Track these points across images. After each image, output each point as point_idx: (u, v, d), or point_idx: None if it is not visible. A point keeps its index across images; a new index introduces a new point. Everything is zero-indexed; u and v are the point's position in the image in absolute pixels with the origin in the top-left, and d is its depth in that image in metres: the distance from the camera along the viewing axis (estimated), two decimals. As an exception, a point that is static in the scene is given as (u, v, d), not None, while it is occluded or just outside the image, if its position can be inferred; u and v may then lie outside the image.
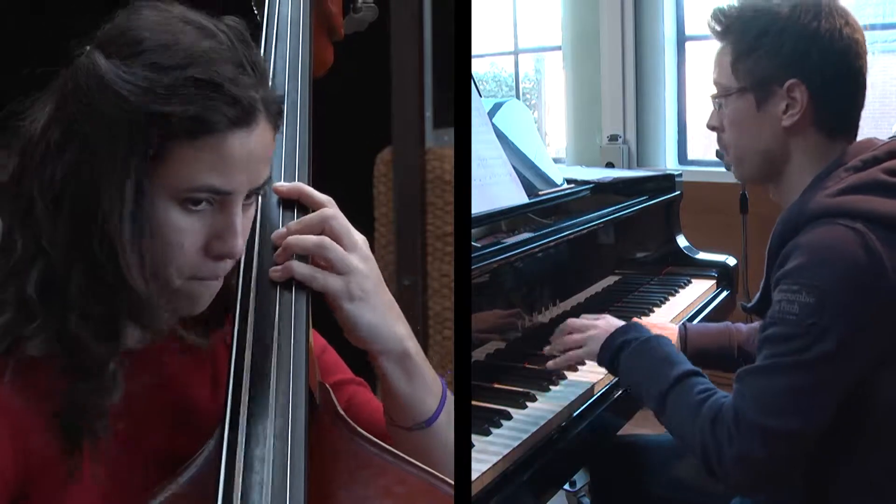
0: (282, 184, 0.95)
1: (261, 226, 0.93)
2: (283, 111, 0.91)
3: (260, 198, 0.93)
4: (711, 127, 1.31)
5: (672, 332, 1.55)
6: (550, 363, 1.38)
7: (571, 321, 1.44)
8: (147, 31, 0.83)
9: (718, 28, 1.25)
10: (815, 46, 1.17)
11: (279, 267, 0.91)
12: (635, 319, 1.49)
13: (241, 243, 0.87)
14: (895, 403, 1.11)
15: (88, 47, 0.85)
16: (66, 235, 0.84)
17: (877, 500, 1.14)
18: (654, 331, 1.52)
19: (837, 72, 1.18)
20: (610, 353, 1.30)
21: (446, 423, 0.97)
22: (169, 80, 0.81)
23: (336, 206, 0.95)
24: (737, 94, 1.23)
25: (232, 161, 0.83)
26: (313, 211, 0.94)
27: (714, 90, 1.28)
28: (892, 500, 1.13)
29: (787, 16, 1.18)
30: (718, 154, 1.34)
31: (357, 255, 0.91)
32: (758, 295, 1.23)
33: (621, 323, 1.38)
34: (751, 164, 1.27)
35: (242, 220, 0.87)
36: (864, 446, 1.13)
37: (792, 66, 1.18)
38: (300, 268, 0.90)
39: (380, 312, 0.92)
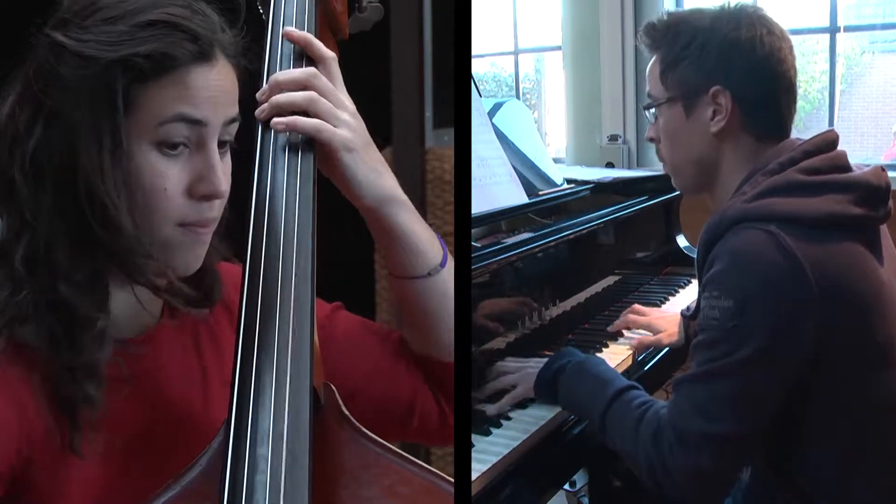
0: (293, 29, 0.98)
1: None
2: (239, 54, 0.93)
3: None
4: (650, 139, 1.34)
5: (674, 319, 1.62)
6: (492, 408, 1.31)
7: (502, 365, 1.40)
8: None
9: (649, 41, 1.29)
10: (737, 54, 1.21)
11: (283, 119, 0.93)
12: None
13: (223, 181, 0.90)
14: (836, 403, 1.12)
15: (46, 31, 0.88)
16: (48, 204, 0.87)
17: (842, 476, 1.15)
18: (656, 316, 1.63)
19: (760, 77, 1.21)
20: (546, 383, 1.29)
21: (448, 270, 1.01)
22: (125, 27, 0.85)
23: (337, 64, 0.99)
24: (667, 105, 1.26)
25: (198, 92, 0.87)
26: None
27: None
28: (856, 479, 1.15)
29: (710, 26, 1.23)
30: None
31: (345, 111, 0.95)
32: (696, 303, 1.27)
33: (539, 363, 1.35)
34: (686, 174, 1.30)
35: (221, 164, 0.90)
36: (814, 438, 1.14)
37: (716, 73, 1.21)
38: (303, 120, 0.94)
39: (372, 165, 0.97)
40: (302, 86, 0.95)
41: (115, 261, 0.88)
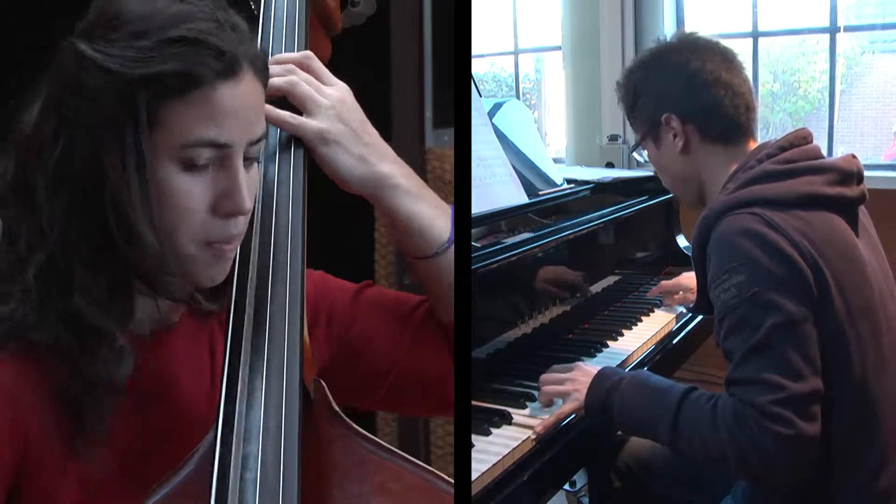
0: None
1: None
2: (268, 66, 0.93)
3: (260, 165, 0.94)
4: (655, 174, 1.53)
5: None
6: (540, 428, 1.26)
7: (544, 376, 1.37)
8: (121, 6, 0.85)
9: (618, 96, 1.49)
10: (671, 81, 1.39)
11: None
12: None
13: (248, 199, 0.88)
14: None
15: (71, 39, 0.87)
16: (67, 216, 0.86)
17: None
18: (688, 277, 1.83)
19: (695, 94, 1.36)
20: (600, 399, 1.26)
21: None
22: (150, 43, 0.83)
23: (315, 59, 1.00)
24: (642, 144, 1.46)
25: (223, 112, 0.85)
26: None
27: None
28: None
29: (647, 63, 1.44)
30: None
31: (327, 96, 0.96)
32: (696, 295, 1.36)
33: (594, 368, 1.33)
34: (681, 192, 1.49)
35: (247, 179, 0.88)
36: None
37: (661, 102, 1.40)
38: (273, 111, 0.94)
39: (357, 153, 0.96)
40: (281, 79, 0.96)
41: (138, 276, 0.88)
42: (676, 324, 1.80)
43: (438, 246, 1.00)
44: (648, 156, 1.48)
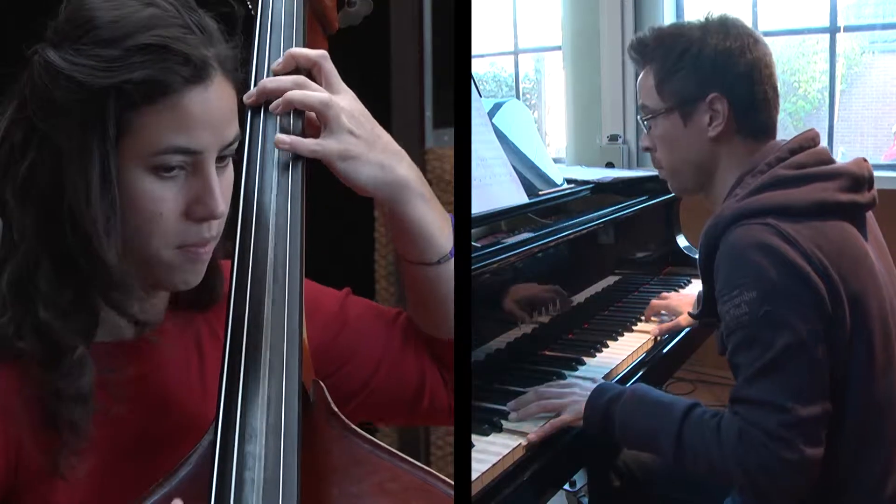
0: (271, 79, 0.95)
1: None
2: (238, 67, 0.92)
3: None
4: (645, 148, 1.42)
5: (692, 301, 1.70)
6: (533, 436, 1.24)
7: (541, 390, 1.35)
8: (91, 12, 0.85)
9: (637, 55, 1.37)
10: (730, 62, 1.28)
11: (286, 139, 0.91)
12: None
13: (221, 203, 0.88)
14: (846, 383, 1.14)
15: (40, 46, 0.86)
16: (33, 227, 0.86)
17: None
18: (675, 299, 1.78)
19: (751, 81, 1.29)
20: (600, 412, 1.25)
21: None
22: (118, 51, 0.82)
23: (328, 60, 0.97)
24: (664, 115, 1.33)
25: (193, 119, 0.84)
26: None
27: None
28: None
29: (701, 37, 1.30)
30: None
31: (342, 111, 0.93)
32: (701, 302, 1.32)
33: (591, 384, 1.32)
34: (684, 177, 1.38)
35: (220, 183, 0.88)
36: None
37: (711, 81, 1.29)
38: (301, 142, 0.91)
39: (377, 162, 0.94)
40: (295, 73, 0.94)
41: (96, 290, 0.88)
42: (676, 324, 1.80)
43: (441, 255, 1.00)
44: (664, 131, 1.34)
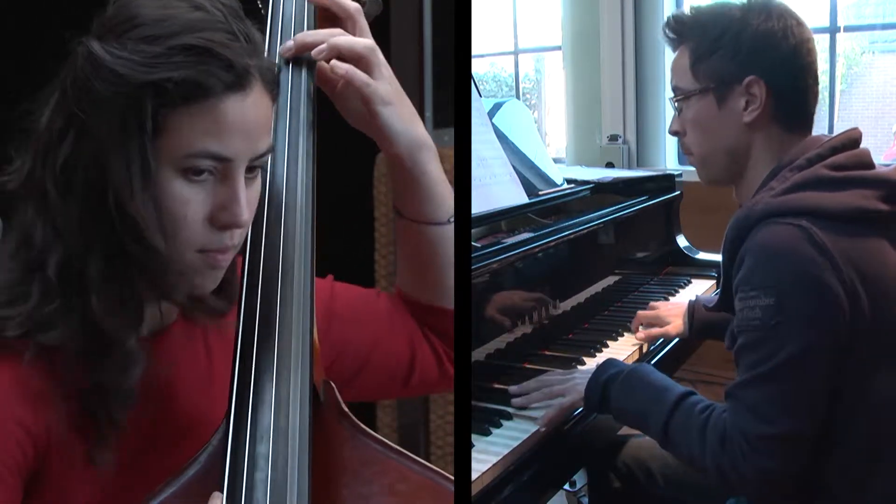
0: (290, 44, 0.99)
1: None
2: (278, 81, 0.92)
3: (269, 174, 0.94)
4: (674, 132, 1.33)
5: (681, 311, 1.66)
6: (541, 421, 1.26)
7: (543, 377, 1.36)
8: (139, 9, 0.85)
9: (673, 35, 1.29)
10: (771, 44, 1.21)
11: (343, 66, 0.97)
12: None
13: (245, 213, 0.87)
14: (861, 399, 1.11)
15: (85, 38, 0.86)
16: (78, 218, 0.86)
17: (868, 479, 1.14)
18: (664, 309, 1.69)
19: (792, 67, 1.22)
20: (598, 392, 1.25)
21: None
22: (161, 48, 0.82)
23: (362, 14, 1.02)
24: (698, 96, 1.26)
25: (228, 126, 0.84)
26: None
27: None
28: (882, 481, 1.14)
29: (742, 17, 1.22)
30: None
31: (375, 56, 0.98)
32: (718, 294, 1.27)
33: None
34: (715, 164, 1.29)
35: (247, 193, 0.87)
36: (840, 437, 1.13)
37: (750, 63, 1.21)
38: (356, 73, 0.97)
39: (407, 117, 1.00)
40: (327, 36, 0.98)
41: (147, 277, 0.87)
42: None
43: (450, 214, 1.04)
44: (696, 113, 1.27)
